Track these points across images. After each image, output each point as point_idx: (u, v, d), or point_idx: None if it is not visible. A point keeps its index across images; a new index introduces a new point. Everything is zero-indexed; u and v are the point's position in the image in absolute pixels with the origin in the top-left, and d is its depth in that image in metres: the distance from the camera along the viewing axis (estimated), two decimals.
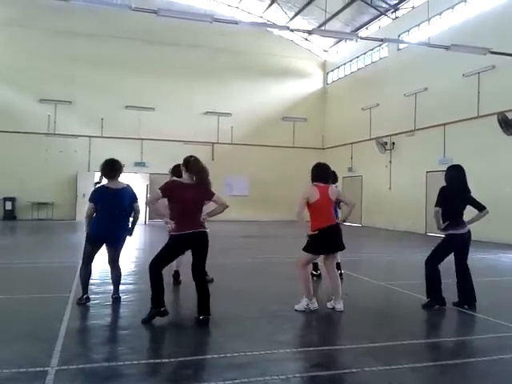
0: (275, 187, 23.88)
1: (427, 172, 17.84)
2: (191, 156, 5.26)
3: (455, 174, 6.11)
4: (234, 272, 8.38)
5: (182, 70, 23.07)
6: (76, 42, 21.60)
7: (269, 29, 23.71)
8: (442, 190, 6.02)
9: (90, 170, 21.25)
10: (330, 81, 26.16)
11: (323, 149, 25.82)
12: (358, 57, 23.52)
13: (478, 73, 15.83)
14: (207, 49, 23.34)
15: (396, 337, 4.90)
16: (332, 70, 25.87)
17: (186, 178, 5.17)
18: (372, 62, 22.33)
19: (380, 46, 21.30)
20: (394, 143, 19.90)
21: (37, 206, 21.05)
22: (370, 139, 21.19)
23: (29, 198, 20.83)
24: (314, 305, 5.71)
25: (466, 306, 5.88)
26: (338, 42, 25.07)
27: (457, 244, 5.99)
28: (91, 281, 7.20)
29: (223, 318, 5.31)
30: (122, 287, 6.50)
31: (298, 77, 25.76)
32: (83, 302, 5.75)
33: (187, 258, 7.01)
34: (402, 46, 19.98)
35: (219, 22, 13.36)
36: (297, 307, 5.70)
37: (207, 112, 23.83)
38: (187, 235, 5.01)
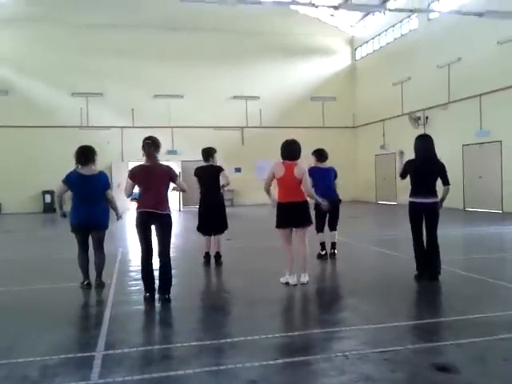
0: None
1: (463, 145, 17.34)
2: (146, 138, 5.43)
3: (421, 145, 6.15)
4: (270, 254, 8.38)
5: (208, 56, 23.00)
6: (102, 33, 21.76)
7: (293, 7, 23.29)
8: (410, 162, 6.15)
9: (123, 160, 21.61)
10: (358, 57, 25.60)
11: (354, 127, 25.41)
12: (386, 30, 22.87)
13: None
14: (232, 32, 23.14)
15: (439, 313, 4.84)
16: (360, 46, 25.28)
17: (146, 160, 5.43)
18: (402, 35, 21.68)
19: (409, 17, 20.66)
20: (427, 117, 19.38)
21: None
22: (403, 115, 20.71)
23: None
24: (293, 280, 5.89)
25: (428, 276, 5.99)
26: (365, 16, 24.42)
27: (416, 211, 6.05)
28: (131, 268, 7.41)
29: (262, 299, 5.34)
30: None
31: (325, 55, 25.29)
32: (84, 287, 5.92)
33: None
34: (432, 15, 19.32)
35: (242, 4, 13.22)
36: (281, 280, 5.99)
37: (235, 96, 23.74)
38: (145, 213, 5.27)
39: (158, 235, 5.41)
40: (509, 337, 3.92)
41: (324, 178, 7.80)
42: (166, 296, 5.29)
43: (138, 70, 22.23)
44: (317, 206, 7.84)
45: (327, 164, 7.97)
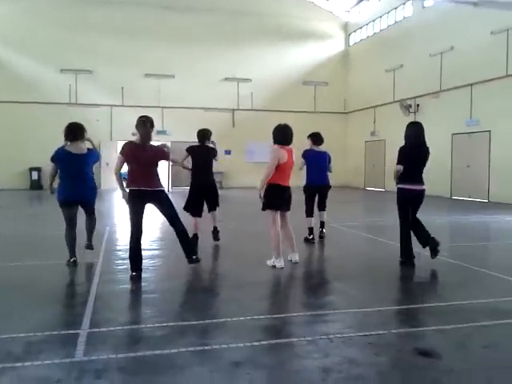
0: (297, 153, 23.70)
1: (453, 134, 17.43)
2: (141, 117, 5.42)
3: (413, 133, 6.19)
4: (259, 237, 8.40)
5: (200, 36, 22.70)
6: (93, 9, 21.39)
7: None
8: (403, 149, 6.16)
9: (112, 139, 21.40)
10: (352, 42, 25.45)
11: (345, 113, 25.38)
12: (381, 16, 22.73)
13: (508, 30, 15.13)
14: (226, 13, 22.83)
15: (423, 299, 4.90)
16: (354, 31, 25.11)
17: (137, 138, 5.45)
18: (395, 22, 21.57)
19: (404, 3, 20.54)
20: (418, 105, 19.41)
21: None
22: (394, 102, 20.72)
23: None
24: (280, 263, 5.93)
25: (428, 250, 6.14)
26: (360, 1, 24.24)
27: (407, 198, 6.12)
28: (118, 247, 7.38)
29: (249, 281, 5.36)
30: (148, 253, 6.62)
31: (318, 39, 25.11)
32: (70, 265, 5.94)
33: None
34: (427, 3, 19.22)
35: None
36: (267, 262, 6.02)
37: (227, 78, 23.54)
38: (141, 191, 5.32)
39: (160, 211, 5.53)
40: (491, 324, 3.98)
41: (318, 162, 7.92)
42: (194, 257, 5.51)
43: (129, 48, 21.91)
44: (306, 189, 7.93)
45: (322, 148, 8.01)
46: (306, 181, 7.95)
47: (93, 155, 6.16)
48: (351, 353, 3.35)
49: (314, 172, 7.86)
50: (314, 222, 7.95)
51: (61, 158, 5.91)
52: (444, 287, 5.35)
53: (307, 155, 7.89)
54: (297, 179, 7.22)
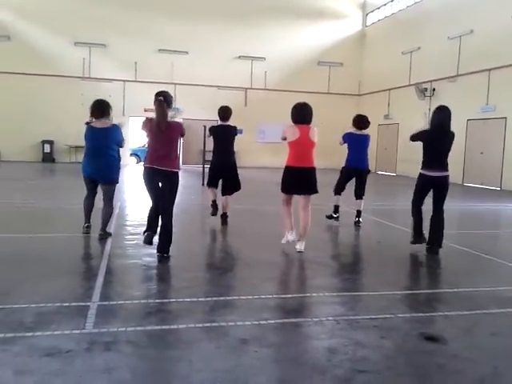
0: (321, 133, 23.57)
1: (468, 120, 17.18)
2: (158, 94, 5.21)
3: (438, 119, 6.01)
4: (270, 218, 8.42)
5: (215, 13, 22.43)
6: None
7: None
8: (425, 132, 6.03)
9: (124, 115, 21.35)
10: (369, 23, 25.00)
11: (359, 95, 25.08)
12: None
13: None
14: None
15: (431, 285, 4.90)
16: (372, 11, 24.65)
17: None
18: (415, 2, 21.12)
19: None
20: (434, 89, 19.11)
21: (74, 149, 21.45)
22: (409, 85, 20.42)
23: (66, 142, 21.24)
24: (292, 236, 5.94)
25: (427, 247, 6.01)
26: None
27: (425, 184, 6.02)
28: (128, 222, 7.45)
29: (259, 261, 5.39)
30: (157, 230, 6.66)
31: (334, 18, 24.69)
32: (84, 231, 6.10)
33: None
34: None
35: None
36: (282, 241, 6.02)
37: (240, 56, 23.31)
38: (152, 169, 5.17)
39: (163, 191, 5.33)
40: (498, 312, 3.98)
41: (356, 145, 7.81)
42: (165, 254, 5.27)
43: (143, 23, 21.74)
44: (342, 169, 7.93)
45: (364, 131, 7.93)
46: (345, 162, 7.97)
47: (116, 130, 6.05)
48: (357, 335, 3.38)
49: (352, 154, 7.82)
50: (341, 200, 7.98)
51: (86, 133, 6.01)
52: (452, 273, 5.34)
53: (345, 138, 7.85)
54: (339, 160, 7.21)
